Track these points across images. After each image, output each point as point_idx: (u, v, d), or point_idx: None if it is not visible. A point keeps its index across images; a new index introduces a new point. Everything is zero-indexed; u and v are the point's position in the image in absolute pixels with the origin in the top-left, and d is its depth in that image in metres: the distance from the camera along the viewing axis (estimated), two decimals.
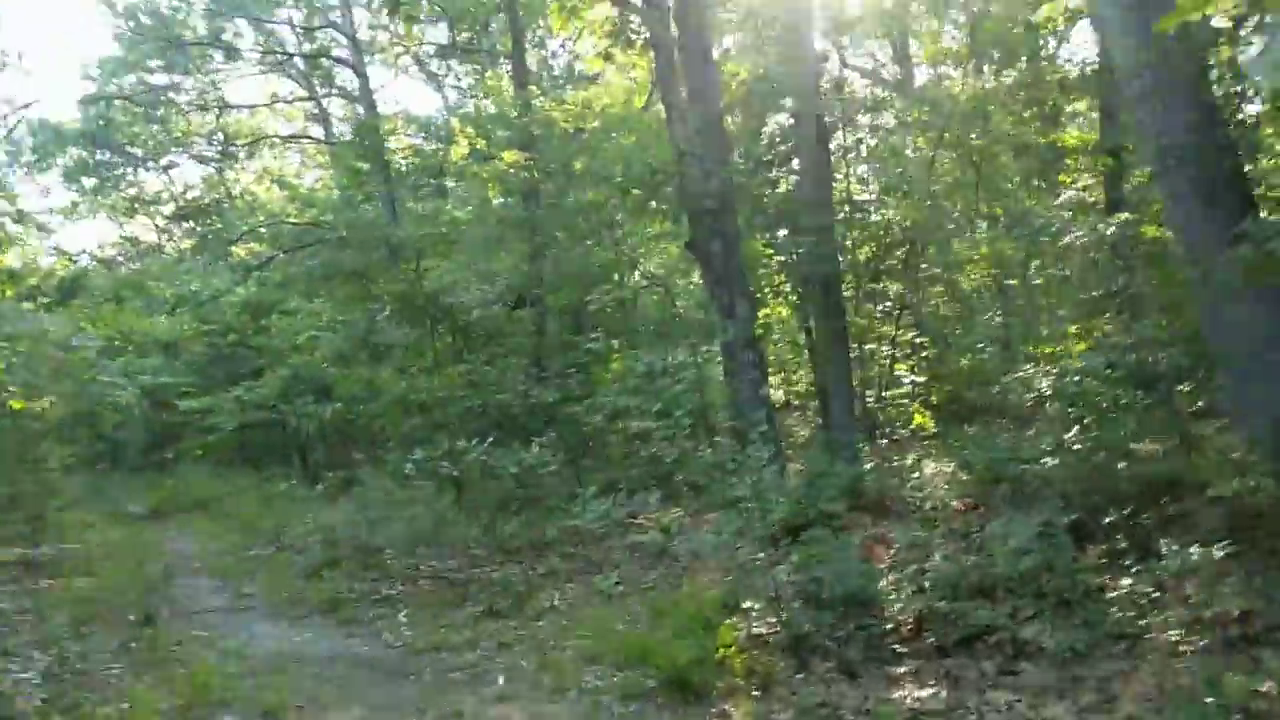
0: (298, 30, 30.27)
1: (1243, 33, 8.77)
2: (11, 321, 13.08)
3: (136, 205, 36.73)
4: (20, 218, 25.50)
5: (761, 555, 7.35)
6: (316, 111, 32.64)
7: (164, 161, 35.42)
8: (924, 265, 14.93)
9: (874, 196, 15.15)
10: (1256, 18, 8.71)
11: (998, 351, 13.76)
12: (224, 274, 27.13)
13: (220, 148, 33.86)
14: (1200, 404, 8.43)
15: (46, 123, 33.37)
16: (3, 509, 13.60)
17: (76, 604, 9.97)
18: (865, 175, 16.65)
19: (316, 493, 17.68)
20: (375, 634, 8.93)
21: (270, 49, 30.76)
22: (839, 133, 15.10)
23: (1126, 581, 6.66)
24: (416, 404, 13.54)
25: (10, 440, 13.93)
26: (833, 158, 14.28)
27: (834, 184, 14.19)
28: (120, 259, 37.09)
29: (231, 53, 30.29)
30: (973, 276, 16.25)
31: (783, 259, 14.12)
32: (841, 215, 14.22)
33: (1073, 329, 13.81)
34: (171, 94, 31.70)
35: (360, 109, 27.04)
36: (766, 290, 14.92)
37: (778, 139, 14.30)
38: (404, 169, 22.32)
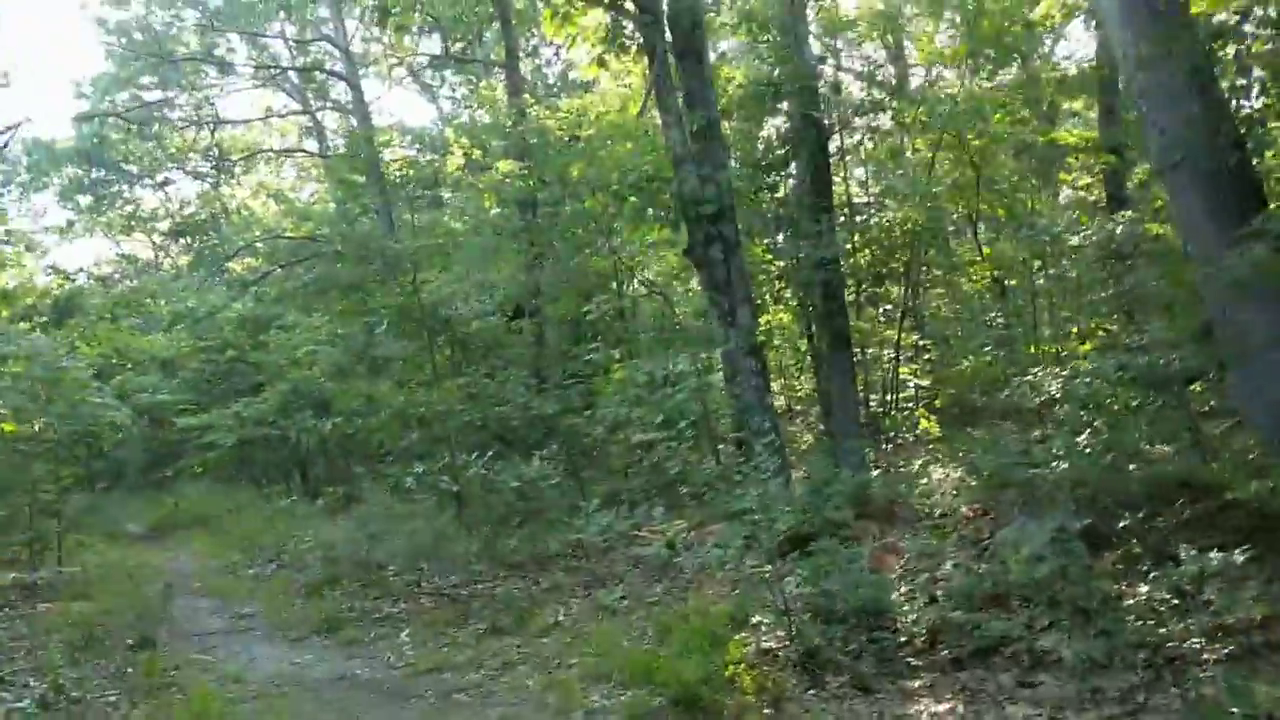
0: (291, 44, 30.22)
1: (1247, 26, 8.66)
2: (3, 342, 12.92)
3: (133, 223, 36.63)
4: (10, 237, 25.33)
5: (769, 567, 7.18)
6: (311, 125, 32.56)
7: (159, 178, 35.36)
8: (924, 268, 14.78)
9: (874, 199, 14.99)
10: (1262, 11, 8.62)
11: (1001, 354, 13.58)
12: (220, 290, 27.02)
13: (215, 163, 33.76)
14: (1211, 405, 8.27)
15: (41, 141, 33.29)
16: None
17: (73, 628, 9.79)
18: (864, 178, 16.52)
19: (317, 508, 17.53)
20: (377, 654, 8.77)
21: (263, 63, 30.67)
22: (837, 136, 14.96)
23: (1144, 588, 6.50)
24: (415, 418, 13.38)
25: (4, 463, 13.76)
26: (831, 161, 14.14)
27: (833, 187, 14.05)
28: (117, 277, 36.96)
29: (224, 67, 30.21)
30: (973, 278, 16.11)
31: (783, 264, 13.96)
32: (841, 219, 14.08)
33: (1075, 330, 13.69)
34: (165, 110, 31.65)
35: (354, 121, 26.92)
36: (767, 296, 14.76)
37: (775, 143, 14.15)
38: (399, 181, 22.15)
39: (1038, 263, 15.25)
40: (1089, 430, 7.53)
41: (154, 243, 38.01)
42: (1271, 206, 8.95)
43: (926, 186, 12.93)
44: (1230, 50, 8.51)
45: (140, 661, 8.51)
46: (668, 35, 12.21)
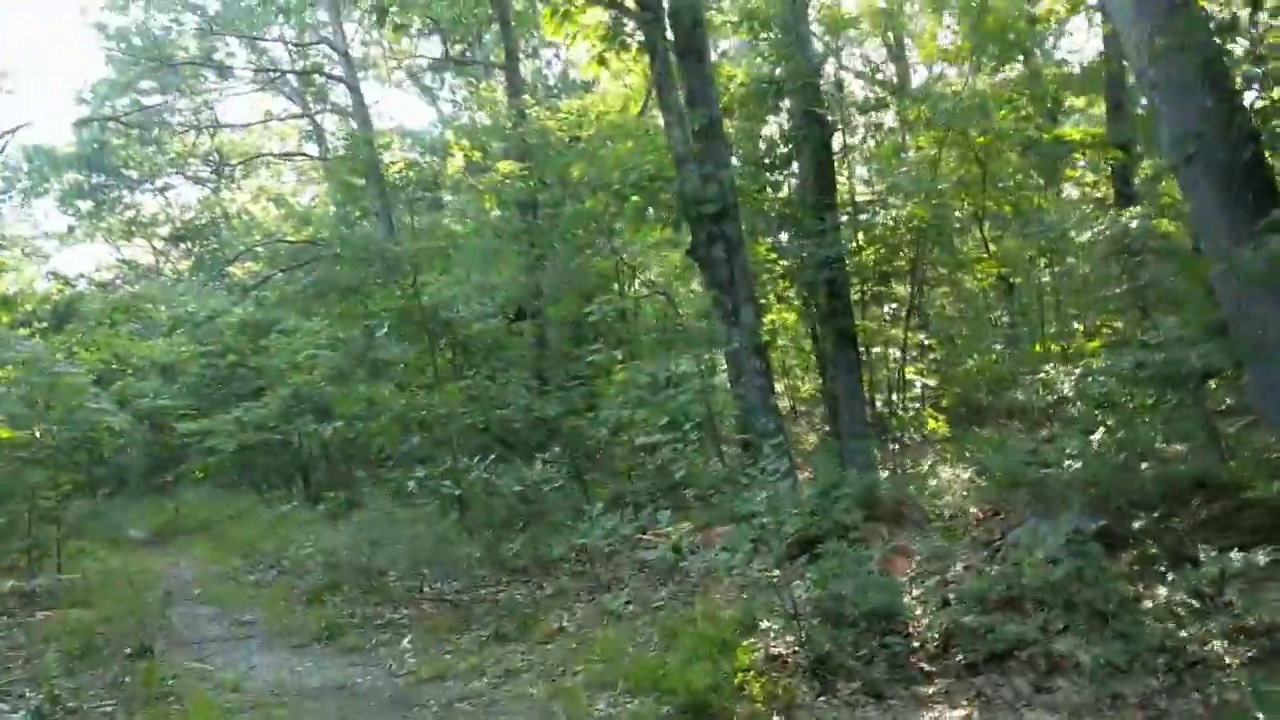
0: (290, 48, 30.11)
1: (1261, 17, 8.51)
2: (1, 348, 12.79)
3: (133, 228, 36.51)
4: (6, 241, 25.21)
5: (777, 571, 7.03)
6: (311, 129, 32.46)
7: (159, 183, 35.24)
8: (927, 266, 14.61)
9: (877, 196, 14.83)
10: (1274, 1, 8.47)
11: (1007, 352, 13.44)
12: (221, 294, 26.91)
13: (215, 168, 33.65)
14: (1229, 402, 8.11)
15: (41, 147, 33.21)
16: None
17: (71, 637, 9.65)
18: (868, 175, 16.38)
19: (318, 513, 17.39)
20: (378, 662, 8.61)
21: (263, 67, 30.57)
22: (839, 133, 14.82)
23: (1162, 590, 6.35)
24: (416, 421, 13.23)
25: (2, 470, 13.63)
26: (834, 158, 13.99)
27: (837, 185, 13.90)
28: (118, 282, 36.84)
29: (224, 71, 30.11)
30: (978, 276, 15.97)
31: (787, 263, 13.81)
32: (845, 217, 13.93)
33: (1081, 329, 13.54)
34: (165, 115, 31.55)
35: (354, 124, 26.79)
36: (771, 295, 14.60)
37: (778, 141, 14.00)
38: (399, 183, 22.03)
39: (1044, 260, 15.13)
40: (1102, 429, 7.36)
41: (154, 248, 37.88)
42: None
43: (932, 184, 12.76)
44: (1243, 42, 8.35)
45: (138, 670, 8.37)
46: (669, 33, 12.09)
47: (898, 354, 14.95)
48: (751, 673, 6.45)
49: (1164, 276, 8.12)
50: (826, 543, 8.04)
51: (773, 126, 14.59)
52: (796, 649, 6.70)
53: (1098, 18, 16.91)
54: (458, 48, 26.94)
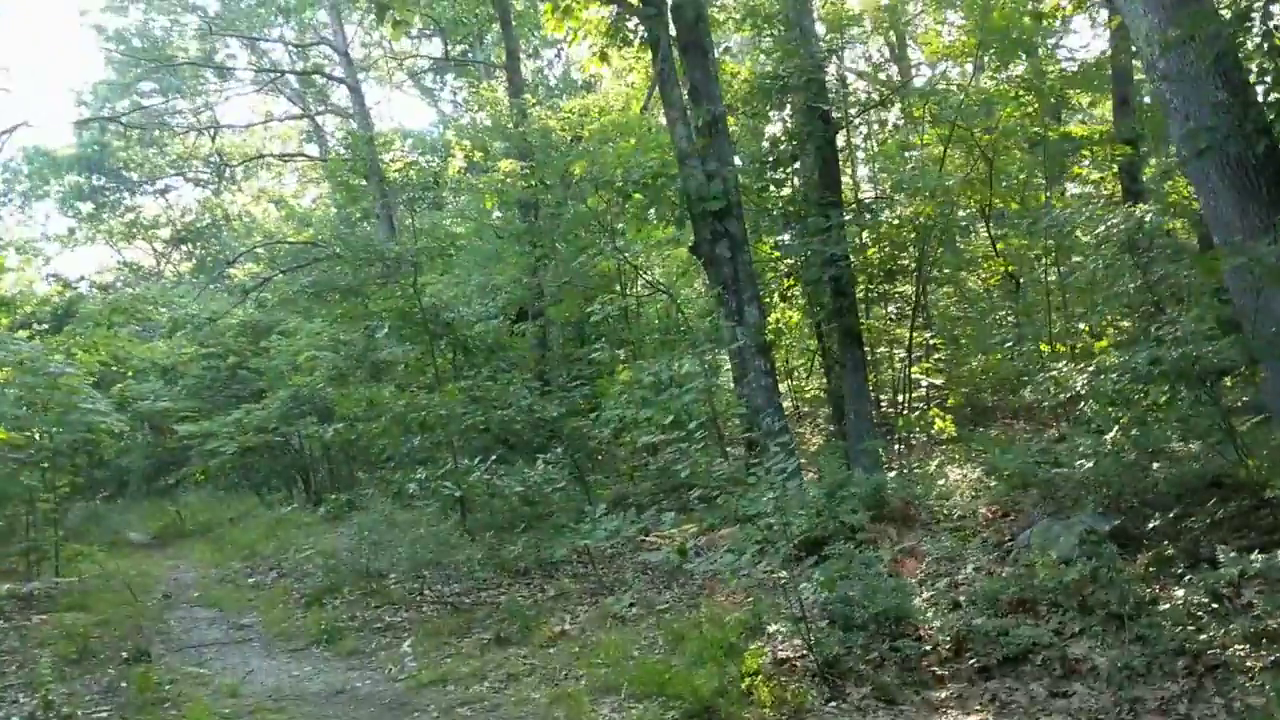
0: (290, 48, 30.03)
1: (1275, 7, 8.36)
2: None
3: (134, 230, 36.41)
4: (7, 244, 25.11)
5: (784, 573, 6.87)
6: (311, 130, 32.37)
7: (160, 185, 35.15)
8: (931, 265, 14.44)
9: (881, 194, 14.66)
10: None
11: (1013, 351, 13.26)
12: (222, 296, 26.80)
13: (216, 169, 33.55)
14: (1244, 400, 7.96)
15: (41, 149, 33.15)
16: None
17: (68, 641, 9.53)
18: (873, 173, 16.22)
19: (319, 515, 17.30)
20: (378, 666, 8.48)
21: (263, 68, 30.47)
22: (843, 131, 14.67)
23: (1180, 592, 6.18)
24: (417, 422, 13.08)
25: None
26: (839, 155, 13.84)
27: (841, 182, 13.75)
28: (119, 284, 36.74)
29: (224, 72, 30.02)
30: (985, 274, 15.82)
31: (791, 261, 13.65)
32: (848, 215, 13.76)
33: (1086, 328, 13.38)
34: (166, 116, 31.46)
35: (355, 125, 26.69)
36: (775, 294, 14.45)
37: (782, 138, 13.85)
38: (400, 183, 21.93)
39: (1049, 258, 14.96)
40: (1116, 427, 7.21)
41: (155, 250, 37.77)
42: None
43: (938, 180, 12.61)
44: (1257, 32, 8.20)
45: (134, 675, 8.24)
46: (671, 28, 11.95)
47: (902, 353, 14.80)
48: (759, 677, 6.30)
49: (1178, 272, 7.98)
50: (833, 544, 7.91)
51: (777, 123, 14.43)
52: (805, 652, 6.54)
53: (1100, 16, 16.78)
54: (458, 48, 26.86)
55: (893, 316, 15.15)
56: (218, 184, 34.82)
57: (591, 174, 13.78)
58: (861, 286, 13.66)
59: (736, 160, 12.62)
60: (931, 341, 15.19)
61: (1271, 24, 7.92)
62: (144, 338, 25.05)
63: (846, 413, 12.79)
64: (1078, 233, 11.70)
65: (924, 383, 14.37)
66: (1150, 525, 7.14)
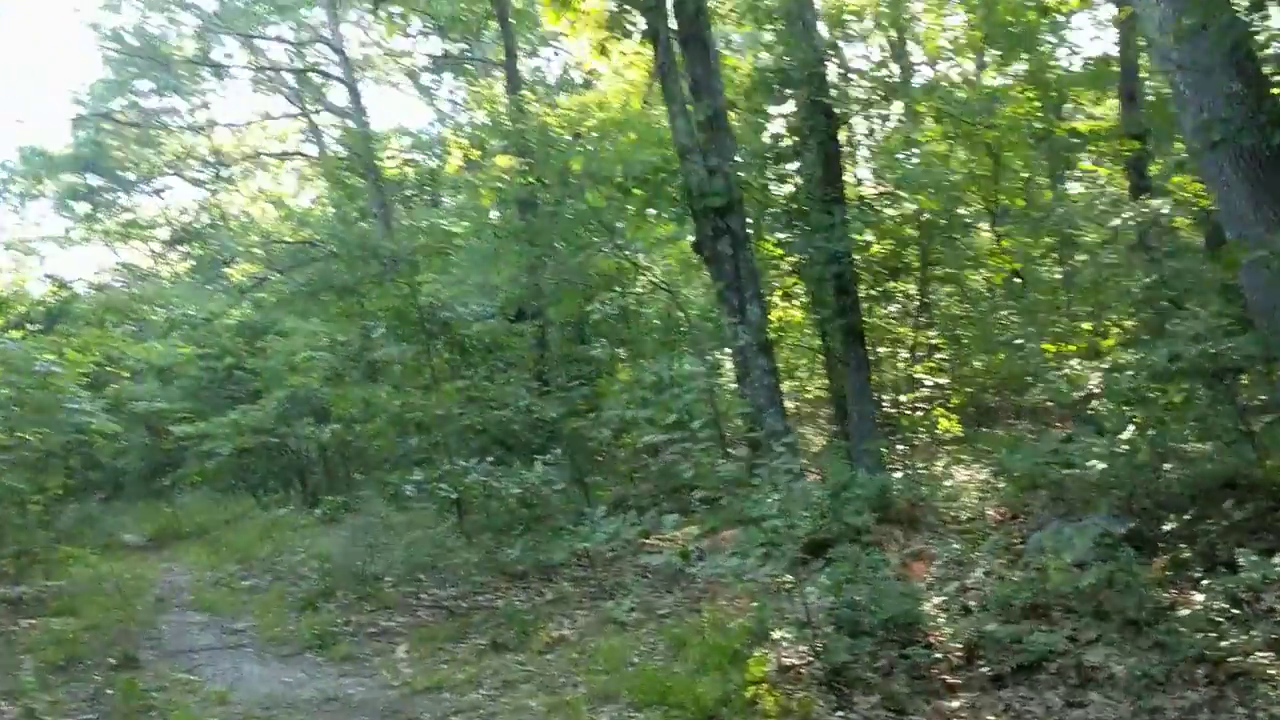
0: (288, 47, 29.83)
1: None
2: None
3: (131, 230, 36.16)
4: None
5: (789, 577, 6.66)
6: (309, 129, 32.16)
7: (157, 185, 34.92)
8: (935, 263, 14.23)
9: (887, 188, 14.45)
10: None
11: (1018, 350, 13.07)
12: (218, 296, 26.63)
13: (214, 169, 33.35)
14: (1262, 398, 7.77)
15: (37, 149, 32.92)
16: None
17: (55, 647, 9.32)
18: (878, 169, 16.00)
19: (315, 517, 17.11)
20: (372, 672, 8.25)
21: (260, 66, 30.27)
22: (845, 127, 14.48)
23: (1199, 597, 5.98)
24: (414, 423, 12.89)
25: None
26: (842, 151, 13.63)
27: (844, 178, 13.54)
28: (116, 285, 36.52)
29: (221, 71, 29.83)
30: (987, 273, 15.65)
31: (794, 259, 13.45)
32: (852, 212, 13.55)
33: (1090, 327, 13.20)
34: (162, 116, 31.28)
35: (352, 124, 26.48)
36: (778, 292, 14.25)
37: (784, 133, 13.64)
38: (398, 180, 21.76)
39: (1053, 257, 14.80)
40: (1132, 427, 7.01)
41: (152, 250, 37.54)
42: None
43: (943, 176, 12.42)
44: (1273, 22, 8.00)
45: (120, 683, 8.02)
46: (671, 21, 11.77)
47: (905, 353, 14.61)
48: (764, 685, 6.08)
49: (1192, 268, 7.79)
50: (839, 546, 7.71)
51: (778, 119, 14.22)
52: (811, 659, 6.34)
53: (1103, 12, 16.59)
54: (456, 46, 26.67)
55: (895, 315, 14.96)
56: (215, 184, 34.59)
57: (590, 170, 13.57)
58: (864, 285, 13.45)
59: (737, 156, 12.41)
60: (934, 341, 15.01)
61: None
62: (140, 338, 24.89)
63: (849, 412, 12.59)
64: (1084, 230, 11.55)
65: (928, 382, 14.17)
66: (1166, 528, 6.94)
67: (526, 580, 10.51)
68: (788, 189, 13.80)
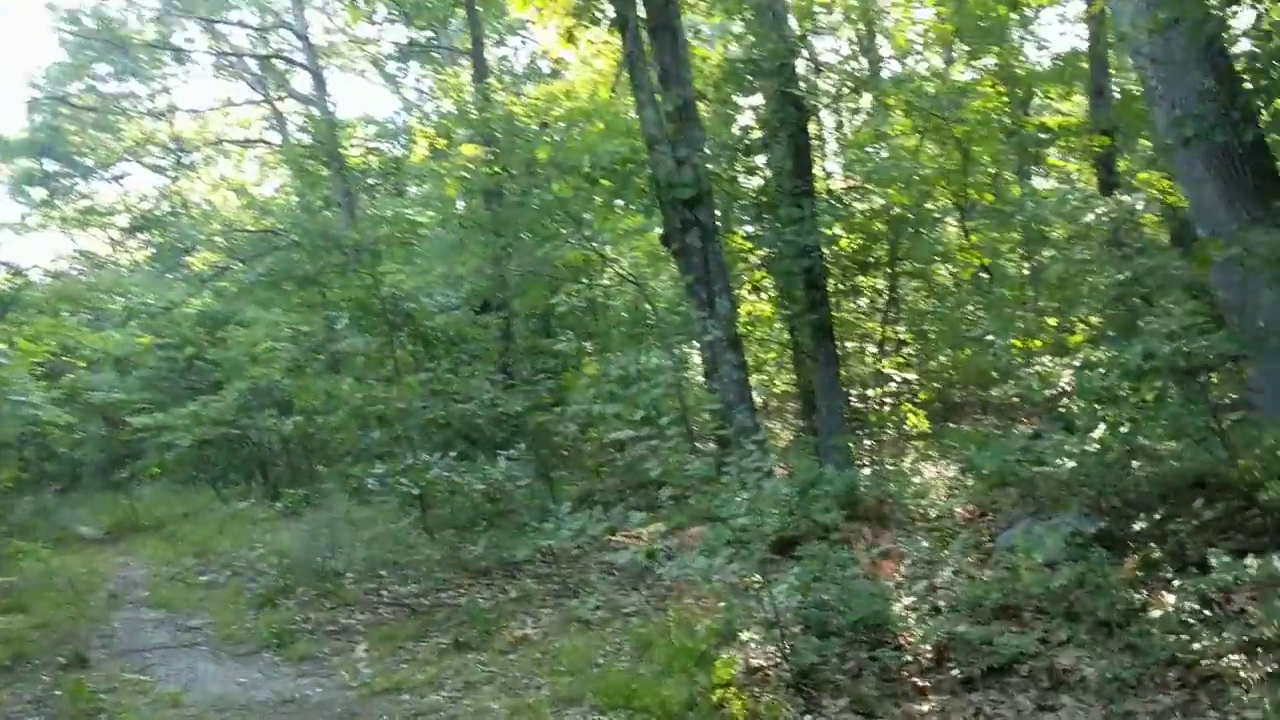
0: (250, 33, 29.35)
1: None
2: None
3: (89, 217, 35.48)
4: None
5: (757, 576, 6.53)
6: (272, 117, 31.68)
7: (116, 171, 34.29)
8: (903, 256, 14.16)
9: (857, 181, 14.36)
10: None
11: (986, 346, 13.04)
12: (178, 285, 26.17)
13: (175, 156, 32.78)
14: (1232, 396, 7.73)
15: None
16: None
17: (2, 645, 9.08)
18: (846, 163, 15.93)
19: (276, 511, 16.83)
20: (330, 672, 8.07)
21: (222, 51, 29.77)
22: (814, 120, 14.37)
23: (1170, 598, 5.90)
24: (375, 416, 12.67)
25: None
26: (811, 144, 13.51)
27: (814, 171, 13.43)
28: (74, 272, 35.84)
29: (181, 56, 29.31)
30: (955, 268, 15.61)
31: (763, 253, 13.33)
32: (822, 205, 13.45)
33: (1055, 322, 13.17)
34: (122, 100, 30.69)
35: (316, 111, 26.09)
36: (746, 286, 14.13)
37: (754, 124, 13.52)
38: (362, 169, 21.44)
39: (1022, 251, 14.75)
40: (1103, 425, 6.94)
41: (111, 238, 36.88)
42: None
43: (913, 170, 12.33)
44: (1247, 16, 7.95)
45: (69, 684, 7.78)
46: (640, 9, 11.60)
47: (873, 348, 14.54)
48: (731, 688, 5.96)
49: (1165, 265, 7.74)
50: (807, 544, 7.59)
51: (747, 111, 14.09)
52: (779, 661, 6.21)
53: (1071, 8, 16.60)
54: (422, 34, 26.33)
55: (864, 310, 14.89)
56: (175, 170, 34.01)
57: (557, 160, 13.38)
58: (833, 279, 13.36)
59: (706, 148, 12.26)
60: (902, 336, 14.95)
61: (1262, 7, 7.67)
62: (97, 327, 24.44)
63: (818, 408, 12.50)
64: (1054, 226, 11.50)
65: (895, 377, 14.11)
66: (1136, 527, 6.88)
67: (490, 577, 10.35)
68: (757, 182, 13.68)
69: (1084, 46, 14.52)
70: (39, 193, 33.75)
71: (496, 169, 15.64)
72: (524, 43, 28.60)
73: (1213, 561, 5.81)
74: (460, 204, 19.20)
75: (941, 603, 6.77)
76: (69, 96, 29.27)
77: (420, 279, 17.17)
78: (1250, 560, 5.59)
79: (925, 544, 7.98)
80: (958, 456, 10.14)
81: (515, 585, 9.88)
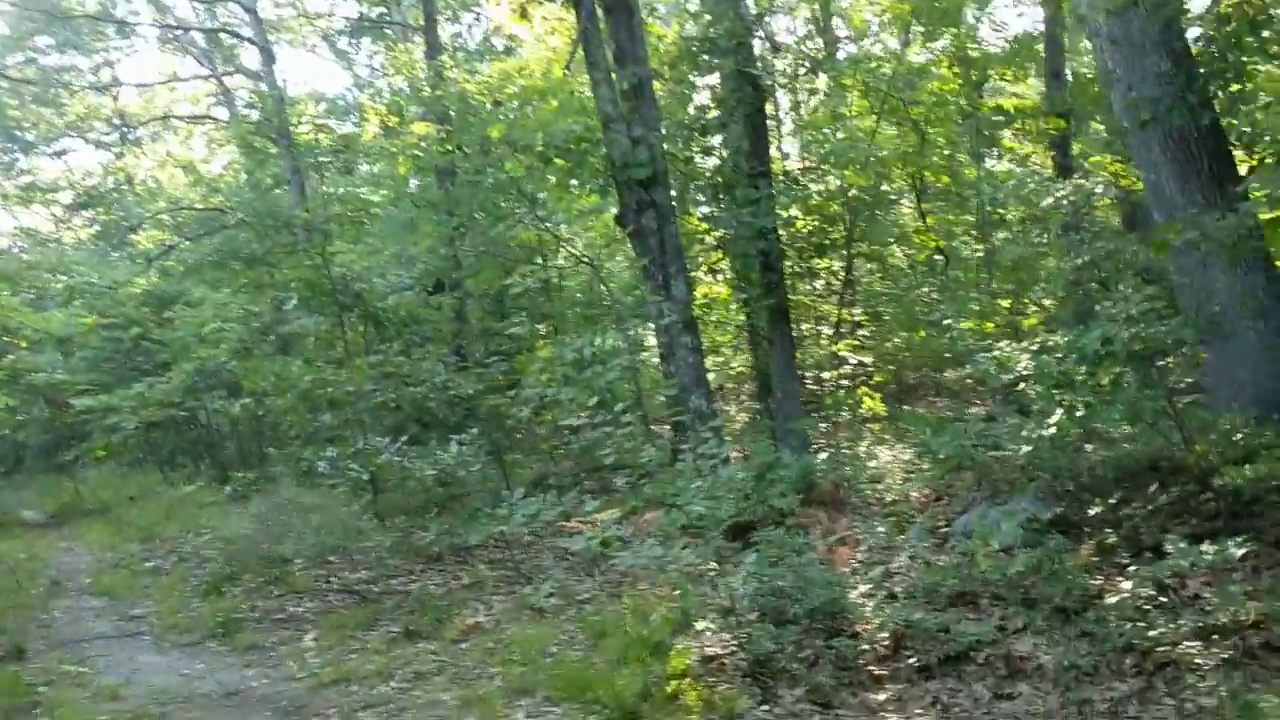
0: (196, 5, 28.69)
1: None
2: None
3: (30, 193, 34.60)
4: None
5: (714, 564, 6.44)
6: (219, 93, 31.03)
7: (58, 147, 33.44)
8: (859, 239, 14.13)
9: (813, 162, 14.28)
10: None
11: (942, 329, 13.06)
12: (123, 264, 25.62)
13: (120, 131, 32.03)
14: (1187, 381, 7.75)
15: None
16: None
17: None
18: (803, 144, 15.86)
19: (225, 494, 16.51)
20: (277, 662, 7.87)
21: (167, 24, 29.09)
22: (772, 101, 14.28)
23: (1126, 584, 5.88)
24: (325, 399, 12.42)
25: None
26: (769, 124, 13.42)
27: (770, 152, 13.33)
28: (15, 251, 34.96)
29: (125, 29, 28.62)
30: (910, 250, 15.62)
31: (719, 234, 13.22)
32: (777, 188, 13.36)
33: (1008, 305, 13.21)
34: (65, 74, 29.91)
35: (264, 87, 25.57)
36: (702, 267, 14.01)
37: (710, 104, 13.37)
38: (312, 146, 21.03)
39: (978, 234, 14.78)
40: (1060, 410, 6.91)
41: (54, 215, 36.02)
42: (1246, 169, 8.46)
43: (869, 152, 12.26)
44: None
45: (4, 676, 7.53)
46: None
47: (829, 330, 14.51)
48: (686, 679, 5.86)
49: (1124, 247, 7.72)
50: (762, 529, 7.52)
51: (704, 91, 13.93)
52: (735, 649, 6.13)
53: None
54: (374, 10, 25.88)
55: (820, 293, 14.84)
56: (120, 146, 33.24)
57: (510, 138, 13.15)
58: (790, 261, 13.28)
59: (663, 128, 12.11)
60: (858, 318, 14.94)
61: None
62: (39, 307, 23.87)
63: (774, 390, 12.44)
64: (1010, 208, 11.49)
65: (851, 360, 14.08)
66: (1091, 512, 6.86)
67: (442, 563, 10.19)
68: (713, 162, 13.54)
69: (1040, 29, 14.54)
70: None
71: (449, 147, 15.38)
72: (477, 19, 28.26)
73: (1168, 547, 5.80)
74: (413, 183, 18.91)
75: (898, 589, 6.73)
76: (8, 69, 28.40)
77: (372, 259, 16.89)
78: (1206, 546, 5.57)
79: (881, 529, 7.94)
80: (913, 440, 10.11)
81: (468, 571, 9.72)
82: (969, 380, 12.35)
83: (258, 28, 25.11)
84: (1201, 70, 7.95)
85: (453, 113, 15.23)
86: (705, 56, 12.74)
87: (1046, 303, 12.83)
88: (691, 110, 13.79)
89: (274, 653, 8.15)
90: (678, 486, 6.62)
